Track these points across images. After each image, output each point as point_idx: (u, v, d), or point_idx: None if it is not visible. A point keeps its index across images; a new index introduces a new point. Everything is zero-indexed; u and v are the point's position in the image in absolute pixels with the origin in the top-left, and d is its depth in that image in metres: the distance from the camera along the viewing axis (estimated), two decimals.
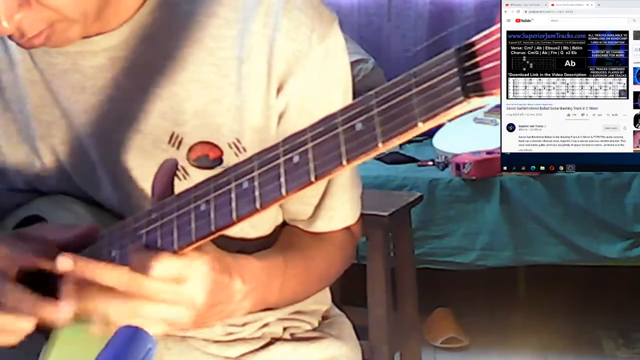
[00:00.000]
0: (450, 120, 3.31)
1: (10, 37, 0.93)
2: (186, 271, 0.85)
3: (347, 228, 1.12)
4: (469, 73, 0.68)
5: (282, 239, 1.09)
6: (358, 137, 0.73)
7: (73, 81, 1.02)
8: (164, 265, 0.84)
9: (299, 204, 1.08)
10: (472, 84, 0.68)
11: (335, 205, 1.08)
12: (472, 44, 0.69)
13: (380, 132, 0.72)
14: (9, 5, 0.88)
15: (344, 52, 1.05)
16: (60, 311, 0.88)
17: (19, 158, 1.06)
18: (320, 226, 1.09)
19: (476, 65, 0.68)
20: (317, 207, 1.08)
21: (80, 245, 0.94)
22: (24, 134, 1.05)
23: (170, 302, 0.85)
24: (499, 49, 0.68)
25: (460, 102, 0.68)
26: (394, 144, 0.72)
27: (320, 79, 1.02)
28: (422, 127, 0.70)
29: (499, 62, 0.68)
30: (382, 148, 0.72)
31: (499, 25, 0.70)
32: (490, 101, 0.69)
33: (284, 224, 1.11)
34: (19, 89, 1.04)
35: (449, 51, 0.70)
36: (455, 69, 0.68)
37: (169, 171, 0.89)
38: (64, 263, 0.85)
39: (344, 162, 0.74)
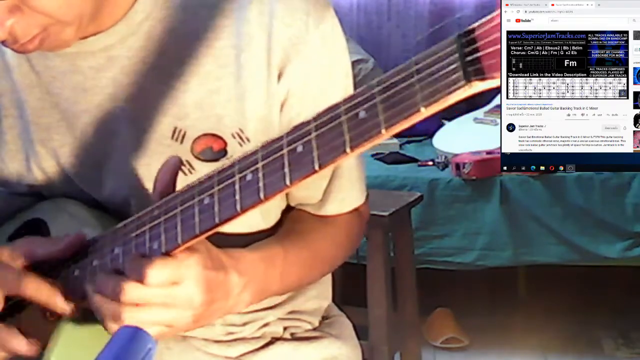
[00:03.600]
0: (450, 120, 3.31)
1: (3, 43, 0.92)
2: (180, 273, 0.85)
3: (355, 209, 1.12)
4: (469, 58, 0.69)
5: (284, 225, 1.08)
6: (361, 124, 0.74)
7: (73, 82, 1.02)
8: (157, 271, 0.84)
9: (307, 190, 1.07)
10: (473, 68, 0.69)
11: (344, 187, 1.08)
12: (473, 30, 0.70)
13: (383, 119, 0.73)
14: (0, 11, 0.87)
15: (341, 34, 1.05)
16: (19, 345, 0.91)
17: (19, 164, 1.06)
18: (330, 209, 1.09)
19: (477, 50, 0.69)
20: (327, 190, 1.08)
21: (70, 254, 0.94)
22: (23, 140, 1.05)
23: (167, 306, 0.86)
24: (499, 33, 0.69)
25: (462, 87, 0.69)
26: (397, 129, 0.72)
27: (320, 62, 1.02)
28: (425, 113, 0.71)
29: (499, 46, 0.68)
30: (386, 134, 0.73)
31: (498, 11, 0.70)
32: (492, 84, 0.69)
33: (287, 210, 1.10)
34: (17, 93, 1.04)
35: (450, 38, 0.71)
36: (457, 54, 0.69)
37: (172, 169, 0.89)
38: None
39: (348, 150, 0.74)
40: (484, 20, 0.70)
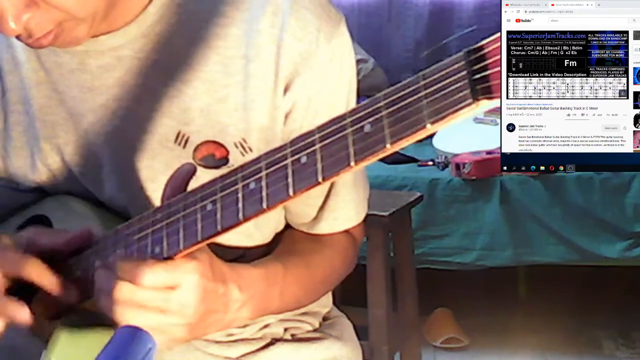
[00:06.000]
0: None
1: (18, 37, 0.92)
2: (177, 279, 0.85)
3: (349, 232, 1.12)
4: (478, 76, 0.68)
5: (282, 245, 1.08)
6: (366, 138, 0.73)
7: (80, 80, 1.02)
8: (154, 273, 0.83)
9: (303, 206, 1.08)
10: (481, 86, 0.68)
11: (339, 206, 1.08)
12: (481, 47, 0.69)
13: (388, 134, 0.72)
14: (16, 6, 0.87)
15: (351, 51, 1.05)
16: (20, 313, 0.90)
17: (24, 160, 1.06)
18: (323, 228, 1.09)
19: (485, 68, 0.68)
20: (321, 208, 1.08)
21: (74, 248, 0.94)
22: (29, 136, 1.05)
23: (160, 310, 0.85)
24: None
25: (469, 105, 0.68)
26: (402, 145, 0.72)
27: (327, 78, 1.02)
28: (431, 129, 0.70)
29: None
30: (391, 149, 0.72)
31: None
32: (499, 103, 0.69)
33: (284, 229, 1.11)
34: (24, 89, 1.04)
35: (458, 54, 0.70)
36: (465, 72, 0.69)
37: (185, 176, 0.88)
38: None
39: (352, 163, 0.74)
40: (492, 37, 0.69)
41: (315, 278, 1.07)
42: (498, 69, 0.68)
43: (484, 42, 0.69)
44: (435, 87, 0.70)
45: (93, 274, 0.90)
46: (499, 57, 0.68)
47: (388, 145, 0.72)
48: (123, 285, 0.84)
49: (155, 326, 0.85)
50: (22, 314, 0.90)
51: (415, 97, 0.71)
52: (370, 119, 0.73)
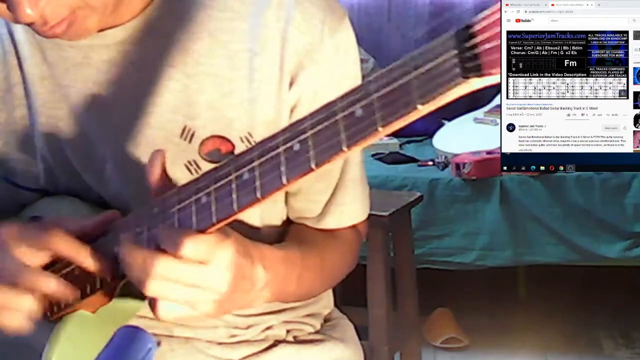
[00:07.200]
0: (450, 120, 3.31)
1: (31, 25, 0.92)
2: (212, 253, 0.83)
3: (355, 227, 1.12)
4: (467, 54, 0.67)
5: (294, 234, 1.08)
6: (358, 122, 0.73)
7: (85, 75, 1.02)
8: (193, 244, 0.81)
9: (306, 201, 1.08)
10: (471, 64, 0.67)
11: (346, 200, 1.08)
12: (471, 25, 0.68)
13: (379, 117, 0.71)
14: None
15: (355, 45, 1.05)
16: (55, 285, 0.89)
17: (28, 155, 1.06)
18: (330, 222, 1.09)
19: (475, 46, 0.67)
20: (328, 202, 1.08)
21: (102, 232, 0.93)
22: (32, 131, 1.05)
23: (194, 285, 0.83)
24: (497, 30, 0.67)
25: (460, 83, 0.67)
26: (394, 128, 0.72)
27: (332, 72, 1.02)
28: (422, 110, 0.70)
29: (497, 42, 0.67)
30: (382, 132, 0.72)
31: (497, 6, 0.69)
32: (490, 81, 0.68)
33: (291, 220, 1.11)
34: (28, 85, 1.04)
35: (447, 33, 0.69)
36: (454, 51, 0.68)
37: (159, 162, 0.88)
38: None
39: (345, 148, 0.74)
40: (482, 15, 0.68)
41: (328, 268, 1.07)
42: (488, 46, 0.67)
43: (474, 19, 0.68)
44: (425, 67, 0.69)
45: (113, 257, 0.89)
46: (488, 34, 0.67)
47: (380, 129, 0.72)
48: (161, 259, 0.82)
49: (187, 300, 0.84)
50: (52, 285, 0.89)
51: (405, 79, 0.70)
52: (361, 103, 0.73)
